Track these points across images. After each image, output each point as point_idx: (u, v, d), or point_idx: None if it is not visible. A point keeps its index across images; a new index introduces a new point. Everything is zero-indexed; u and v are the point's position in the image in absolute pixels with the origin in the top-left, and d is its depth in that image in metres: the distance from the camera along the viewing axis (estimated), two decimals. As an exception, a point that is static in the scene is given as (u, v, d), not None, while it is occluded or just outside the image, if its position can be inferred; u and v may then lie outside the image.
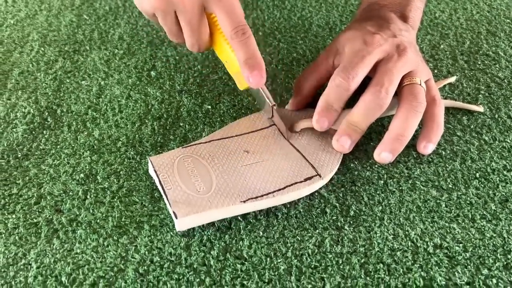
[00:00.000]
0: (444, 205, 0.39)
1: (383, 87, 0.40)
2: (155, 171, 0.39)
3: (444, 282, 0.34)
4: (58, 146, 0.44)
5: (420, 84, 0.41)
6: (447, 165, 0.42)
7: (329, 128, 0.41)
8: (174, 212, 0.35)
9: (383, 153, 0.41)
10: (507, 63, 0.53)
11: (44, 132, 0.45)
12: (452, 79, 0.49)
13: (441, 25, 0.59)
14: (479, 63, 0.53)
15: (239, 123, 0.44)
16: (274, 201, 0.37)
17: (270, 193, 0.37)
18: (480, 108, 0.47)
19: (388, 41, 0.42)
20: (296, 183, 0.38)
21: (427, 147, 0.42)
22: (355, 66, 0.40)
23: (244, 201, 0.36)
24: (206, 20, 0.41)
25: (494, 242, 0.36)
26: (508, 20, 0.60)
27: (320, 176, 0.38)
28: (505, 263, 0.35)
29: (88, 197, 0.39)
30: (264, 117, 0.44)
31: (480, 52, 0.55)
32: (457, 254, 0.35)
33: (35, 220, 0.37)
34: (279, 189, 0.37)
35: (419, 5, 0.48)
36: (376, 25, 0.44)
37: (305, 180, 0.38)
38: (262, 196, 0.37)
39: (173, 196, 0.37)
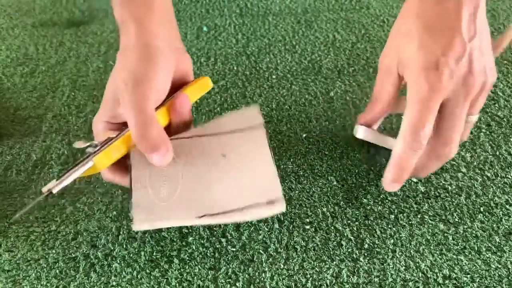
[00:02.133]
0: (451, 238, 0.42)
1: (452, 143, 0.40)
2: (130, 165, 0.39)
3: (454, 311, 0.36)
4: (92, 185, 0.47)
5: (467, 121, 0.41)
6: (453, 200, 0.45)
7: None
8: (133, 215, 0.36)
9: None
10: (505, 102, 0.57)
11: (78, 172, 0.49)
12: None
13: (442, 67, 0.63)
14: (480, 102, 0.57)
15: (227, 117, 0.41)
16: (229, 220, 0.37)
17: (228, 212, 0.36)
18: None
19: (454, 78, 0.38)
20: (257, 204, 0.36)
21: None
22: (422, 120, 0.38)
23: (200, 217, 0.36)
24: None
25: (500, 273, 0.39)
26: (505, 62, 0.64)
27: (284, 202, 0.36)
28: (511, 292, 0.37)
29: (121, 233, 0.42)
30: (254, 112, 0.41)
31: (480, 92, 0.59)
32: (465, 284, 0.38)
33: (73, 255, 0.40)
34: (238, 209, 0.36)
35: None
36: (445, 41, 0.38)
37: (267, 203, 0.36)
38: (218, 213, 0.36)
39: (137, 198, 0.37)
